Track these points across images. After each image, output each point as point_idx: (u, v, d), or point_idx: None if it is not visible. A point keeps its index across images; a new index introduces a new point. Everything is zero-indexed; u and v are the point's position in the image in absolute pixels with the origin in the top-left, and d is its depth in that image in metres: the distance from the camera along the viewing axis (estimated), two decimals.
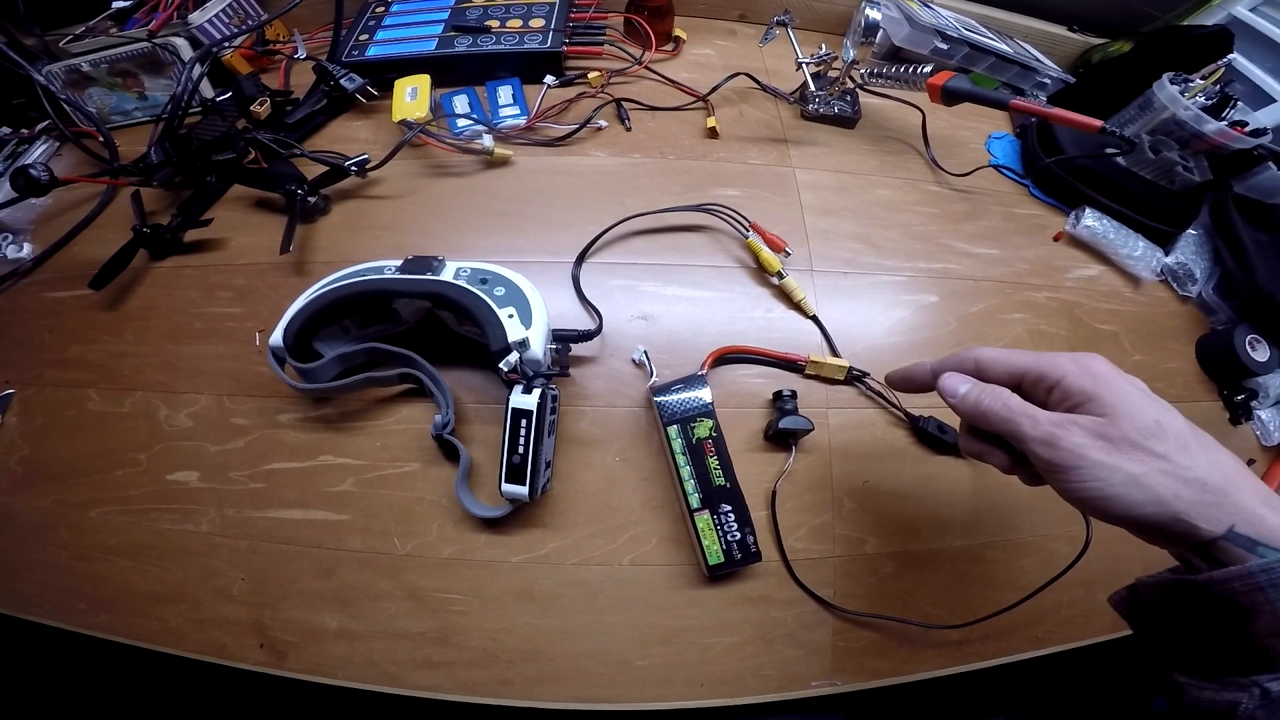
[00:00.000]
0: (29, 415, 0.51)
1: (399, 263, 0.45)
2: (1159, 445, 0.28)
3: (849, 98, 0.64)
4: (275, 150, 0.57)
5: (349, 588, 0.44)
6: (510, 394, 0.41)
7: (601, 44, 0.64)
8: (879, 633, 0.46)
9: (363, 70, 0.60)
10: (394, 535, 0.45)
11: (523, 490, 0.40)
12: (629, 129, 0.61)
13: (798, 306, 0.53)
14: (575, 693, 0.43)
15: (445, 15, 0.65)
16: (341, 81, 0.59)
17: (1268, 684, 0.25)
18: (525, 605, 0.44)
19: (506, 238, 0.54)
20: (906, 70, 0.58)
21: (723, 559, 0.43)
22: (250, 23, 0.66)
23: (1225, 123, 0.59)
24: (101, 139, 0.62)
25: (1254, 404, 0.58)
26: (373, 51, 0.62)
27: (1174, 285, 0.63)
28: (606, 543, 0.46)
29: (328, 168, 0.55)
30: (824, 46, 0.61)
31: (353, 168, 0.55)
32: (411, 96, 0.58)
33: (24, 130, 0.68)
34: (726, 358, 0.50)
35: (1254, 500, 0.27)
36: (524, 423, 0.40)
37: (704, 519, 0.43)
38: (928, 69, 0.57)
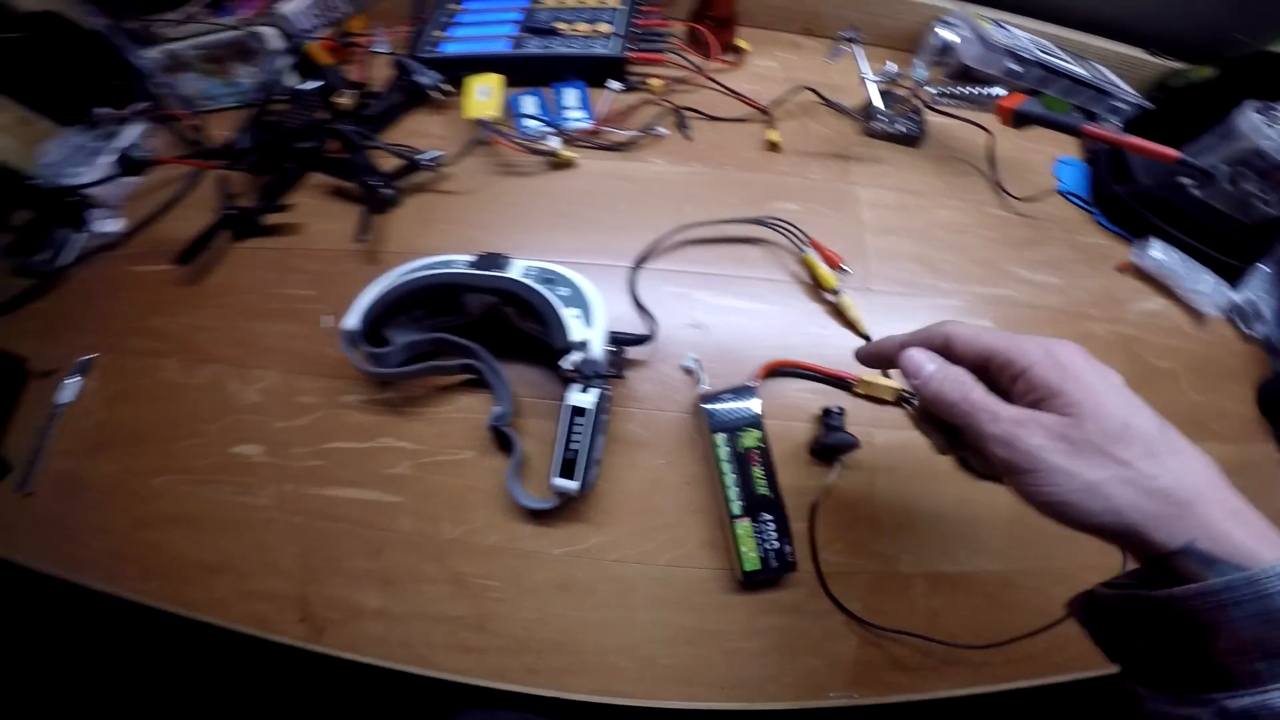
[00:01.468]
0: (109, 381, 0.53)
1: (470, 258, 0.47)
2: (1123, 451, 0.26)
3: (915, 116, 0.64)
4: (354, 142, 0.59)
5: (394, 568, 0.46)
6: (568, 391, 0.42)
7: (664, 51, 0.65)
8: (903, 649, 0.46)
9: (438, 67, 0.62)
10: (443, 520, 0.47)
11: (573, 485, 0.42)
12: (689, 138, 0.62)
13: (851, 324, 0.53)
14: (600, 686, 0.44)
15: (518, 16, 0.66)
16: (417, 77, 0.61)
17: (1225, 702, 0.24)
18: (561, 597, 0.46)
19: (568, 238, 0.56)
20: (977, 91, 0.58)
21: (759, 566, 0.44)
22: (334, 15, 0.69)
23: None
24: (193, 123, 0.66)
25: None
26: (448, 48, 0.64)
27: (1239, 323, 0.61)
28: (645, 542, 0.47)
29: (403, 161, 0.57)
30: (891, 64, 0.61)
31: (426, 162, 0.57)
32: (484, 95, 0.60)
33: (119, 111, 0.72)
34: (778, 371, 0.51)
35: (1220, 513, 0.26)
36: (579, 420, 0.41)
37: (744, 526, 0.44)
38: (999, 91, 0.57)
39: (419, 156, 0.57)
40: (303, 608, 0.45)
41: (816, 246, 0.55)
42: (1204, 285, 0.60)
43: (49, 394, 0.53)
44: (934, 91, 0.60)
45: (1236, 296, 0.61)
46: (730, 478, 0.45)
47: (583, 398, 0.41)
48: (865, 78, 0.60)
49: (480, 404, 0.50)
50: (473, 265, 0.46)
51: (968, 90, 0.58)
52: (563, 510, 0.47)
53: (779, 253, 0.56)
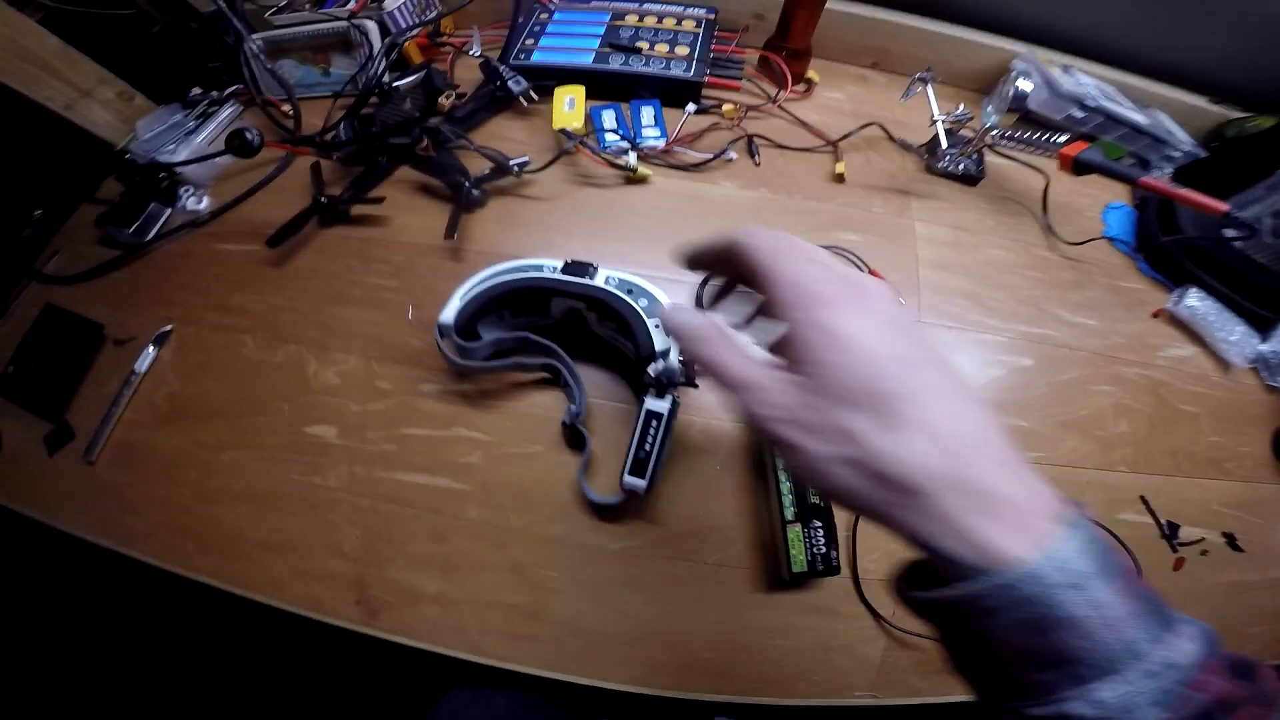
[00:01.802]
0: (184, 353, 0.56)
1: (560, 263, 0.50)
2: (854, 421, 0.22)
3: (976, 157, 0.67)
4: (448, 141, 0.62)
5: (457, 554, 0.48)
6: (646, 396, 0.46)
7: (740, 79, 0.68)
8: (924, 654, 0.49)
9: (527, 74, 0.65)
10: (509, 510, 0.50)
11: (641, 483, 0.45)
12: (758, 164, 0.65)
13: None
14: (639, 677, 0.47)
15: (601, 31, 0.69)
16: (509, 83, 0.64)
17: (1029, 711, 0.21)
18: (614, 590, 0.48)
19: (640, 251, 0.59)
20: (1041, 137, 0.60)
21: (805, 569, 0.47)
22: (429, 13, 0.72)
23: None
24: (290, 110, 0.69)
25: None
26: (537, 57, 0.67)
27: (1263, 373, 0.64)
28: (697, 541, 0.50)
29: (492, 165, 0.60)
30: (963, 106, 0.64)
31: (515, 167, 0.60)
32: (569, 106, 0.63)
33: (214, 92, 0.76)
34: None
35: (963, 504, 0.21)
36: (654, 424, 0.45)
37: (795, 531, 0.48)
38: (1062, 138, 0.59)
39: (509, 161, 0.60)
40: (360, 590, 0.47)
41: (875, 276, 0.58)
42: (1235, 335, 0.63)
43: (123, 362, 0.55)
44: (998, 134, 0.63)
45: (1264, 347, 0.63)
46: (785, 485, 0.48)
47: (658, 403, 0.45)
48: (935, 118, 0.63)
49: (552, 401, 0.53)
50: (563, 271, 0.49)
51: (1032, 136, 0.61)
52: (623, 507, 0.50)
53: None
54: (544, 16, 0.71)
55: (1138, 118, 0.68)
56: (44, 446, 0.54)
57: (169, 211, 0.66)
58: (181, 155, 0.69)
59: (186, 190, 0.68)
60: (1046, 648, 0.20)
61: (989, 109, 0.60)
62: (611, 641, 0.47)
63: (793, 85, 0.70)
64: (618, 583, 0.49)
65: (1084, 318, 0.63)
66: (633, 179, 0.63)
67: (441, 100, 0.64)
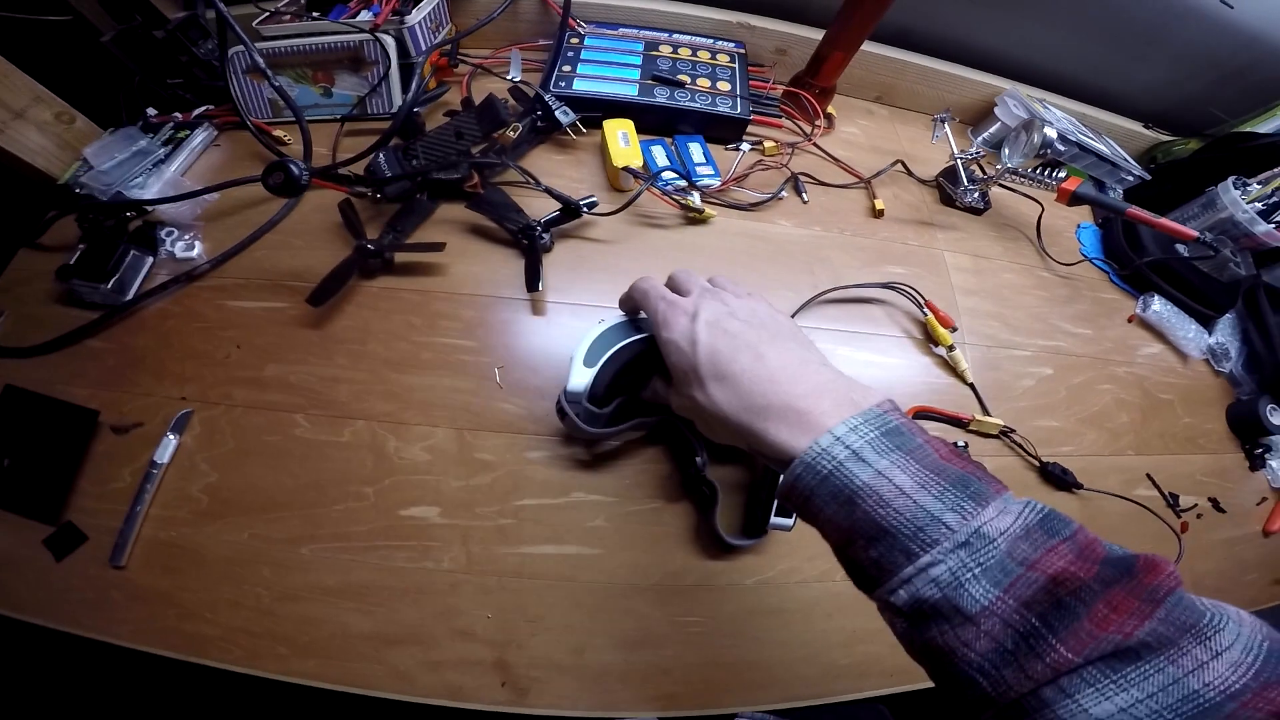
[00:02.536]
0: (215, 438, 0.48)
1: None
2: (690, 392, 0.34)
3: (985, 190, 0.74)
4: (492, 177, 0.58)
5: (598, 615, 0.47)
6: None
7: (780, 116, 0.70)
8: None
9: (568, 104, 0.63)
10: (642, 567, 0.49)
11: (789, 522, 0.47)
12: (806, 202, 0.68)
13: (958, 374, 0.62)
14: (786, 694, 0.48)
15: (638, 60, 0.68)
16: (556, 114, 0.61)
17: (893, 599, 0.25)
18: (754, 621, 0.49)
19: None
20: (1045, 173, 0.68)
21: None
22: (442, 29, 0.67)
23: (1272, 225, 0.73)
24: (287, 136, 0.62)
25: (1268, 456, 0.73)
26: (579, 86, 0.65)
27: (1213, 362, 0.77)
28: (822, 563, 0.52)
29: (561, 206, 0.57)
30: (975, 147, 0.70)
31: (585, 208, 0.57)
32: (624, 142, 0.61)
33: (178, 114, 0.66)
34: (916, 415, 0.59)
35: (751, 417, 0.30)
36: None
37: None
38: (1063, 174, 0.67)
39: (580, 202, 0.57)
40: (503, 671, 0.45)
41: (930, 307, 0.63)
42: (1190, 332, 0.75)
43: (132, 453, 0.47)
44: (1007, 168, 0.70)
45: (1211, 340, 0.76)
46: None
47: None
48: (955, 156, 0.69)
49: (659, 454, 0.53)
50: None
51: (1037, 172, 0.68)
52: (751, 546, 0.51)
53: (894, 312, 0.64)
54: (574, 41, 0.69)
55: (1101, 147, 0.78)
56: (46, 551, 0.45)
57: (152, 261, 0.57)
58: (153, 190, 0.60)
59: (168, 233, 0.59)
60: (860, 520, 0.25)
61: (1008, 151, 0.67)
62: (758, 668, 0.49)
63: (819, 121, 0.73)
64: (756, 614, 0.50)
65: (1081, 328, 0.72)
66: (695, 219, 0.63)
67: (508, 133, 0.59)
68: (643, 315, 0.45)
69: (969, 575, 0.23)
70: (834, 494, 0.25)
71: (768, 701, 0.48)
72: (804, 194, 0.68)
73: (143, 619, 0.44)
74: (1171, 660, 0.21)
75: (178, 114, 0.66)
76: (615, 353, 0.44)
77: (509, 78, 0.64)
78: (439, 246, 0.55)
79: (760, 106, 0.70)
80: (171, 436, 0.49)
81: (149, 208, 0.57)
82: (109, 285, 0.53)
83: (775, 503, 0.47)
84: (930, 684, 0.49)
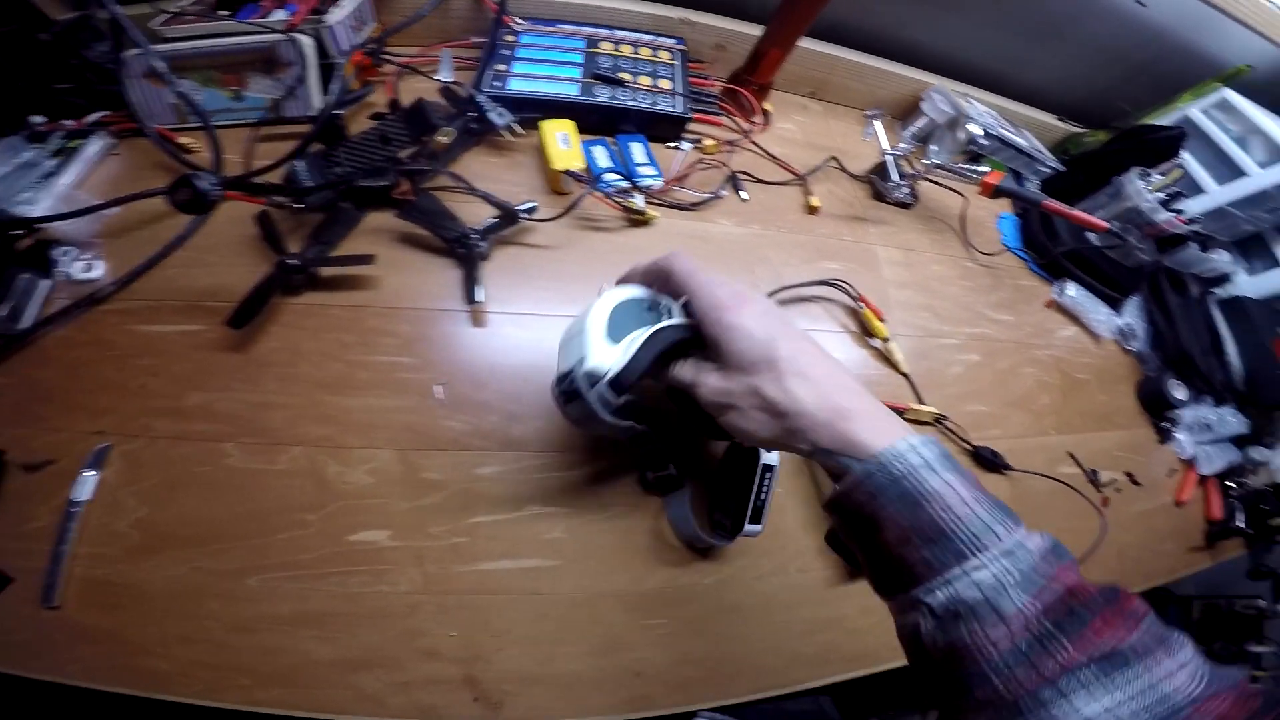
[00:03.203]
0: (140, 472, 0.46)
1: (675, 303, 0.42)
2: (756, 380, 0.33)
3: (912, 184, 0.76)
4: (426, 181, 0.56)
5: (564, 627, 0.48)
6: (763, 452, 0.48)
7: (719, 114, 0.70)
8: None
9: (505, 105, 0.60)
10: (604, 575, 0.49)
11: (758, 528, 0.48)
12: (745, 200, 0.68)
13: (893, 365, 0.65)
14: (755, 685, 0.50)
15: (579, 58, 0.66)
16: (490, 115, 0.59)
17: (928, 599, 0.27)
18: (718, 618, 0.51)
19: None
20: (968, 168, 0.71)
21: None
22: (365, 29, 0.63)
23: (1172, 214, 0.79)
24: (181, 142, 0.58)
25: (1174, 429, 0.80)
26: (515, 86, 0.62)
27: (1123, 342, 0.83)
28: (777, 556, 0.54)
29: (499, 212, 0.55)
30: (904, 143, 0.72)
31: (523, 214, 0.56)
32: (564, 144, 0.60)
33: (68, 121, 0.60)
34: None
35: (829, 417, 0.31)
36: (769, 476, 0.48)
37: None
38: (986, 168, 0.70)
39: (518, 208, 0.55)
40: (474, 687, 0.45)
41: (865, 302, 0.65)
42: (1101, 315, 0.81)
43: (47, 491, 0.44)
44: (933, 163, 0.72)
45: (1119, 321, 0.82)
46: None
47: (771, 456, 0.48)
48: (886, 152, 0.71)
49: (614, 462, 0.53)
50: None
51: (962, 167, 0.71)
52: (718, 548, 0.52)
53: (831, 308, 0.66)
54: (509, 39, 0.66)
55: (1019, 140, 0.82)
56: None
57: (49, 284, 0.52)
58: (44, 206, 0.54)
59: (64, 253, 0.54)
60: (925, 521, 0.27)
61: (935, 147, 0.69)
62: (725, 661, 0.50)
63: (756, 118, 0.74)
64: (719, 612, 0.52)
65: (1004, 315, 0.76)
66: (636, 221, 0.62)
67: (440, 139, 0.56)
68: (671, 298, 0.40)
69: (1010, 580, 0.26)
70: (903, 495, 0.28)
71: (738, 694, 0.50)
72: (742, 192, 0.69)
73: (92, 657, 0.42)
74: (1148, 668, 0.24)
75: (68, 121, 0.60)
76: (661, 332, 0.38)
77: (437, 78, 0.61)
78: (368, 259, 0.53)
79: (701, 104, 0.70)
80: (90, 473, 0.45)
81: (39, 225, 0.52)
82: (2, 314, 0.48)
83: (750, 510, 0.48)
84: (876, 671, 0.53)
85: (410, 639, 0.45)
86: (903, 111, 0.86)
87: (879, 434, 0.30)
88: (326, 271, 0.54)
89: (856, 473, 0.29)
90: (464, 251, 0.54)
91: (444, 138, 0.56)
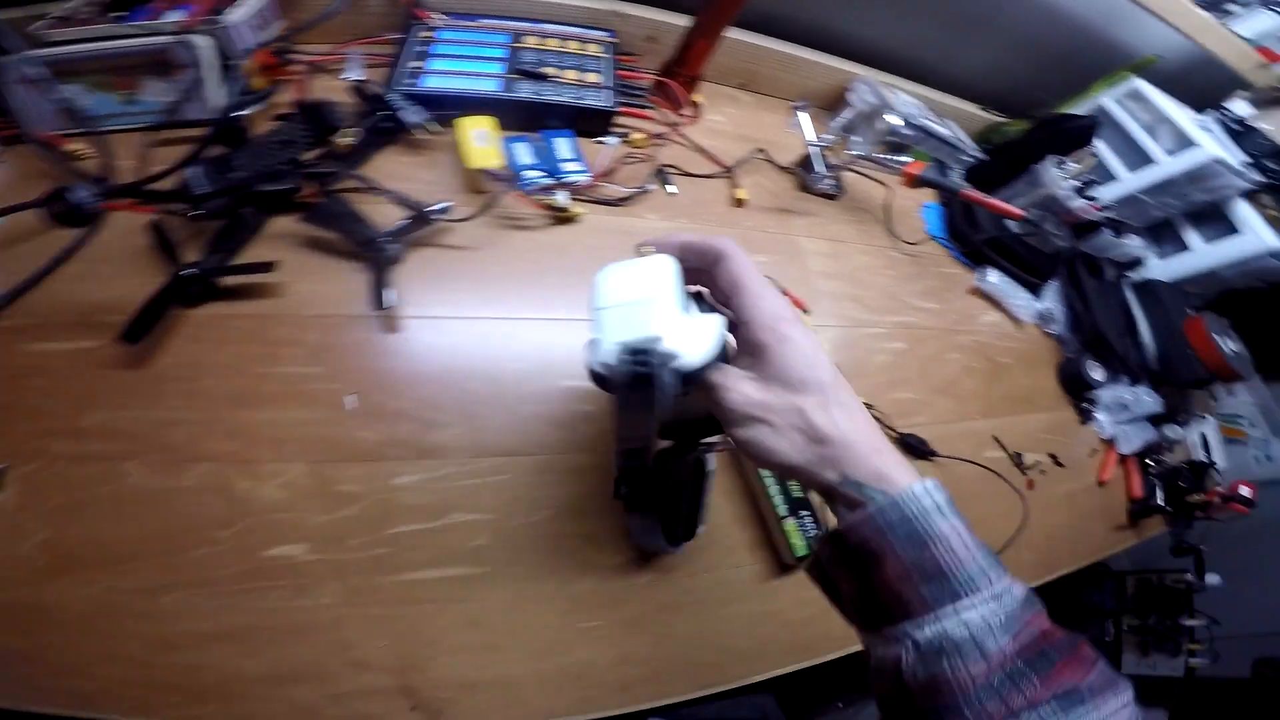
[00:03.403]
0: (39, 494, 0.44)
1: None
2: (803, 400, 0.31)
3: (838, 175, 0.77)
4: (332, 184, 0.54)
5: (498, 634, 0.47)
6: (708, 457, 0.48)
7: (649, 107, 0.70)
8: None
9: (418, 103, 0.59)
10: (535, 579, 0.49)
11: (702, 528, 0.49)
12: (673, 193, 0.68)
13: None
14: (697, 682, 0.51)
15: (503, 53, 0.65)
16: (403, 114, 0.57)
17: (915, 634, 0.28)
18: (656, 617, 0.51)
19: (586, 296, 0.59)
20: (890, 158, 0.72)
21: (806, 551, 0.55)
22: (267, 29, 0.60)
23: (1086, 201, 0.82)
24: (75, 149, 0.54)
25: (1094, 410, 0.84)
26: (431, 83, 0.61)
27: (1043, 325, 0.86)
28: (708, 554, 0.54)
29: (411, 213, 0.53)
30: (829, 135, 0.73)
31: (436, 215, 0.54)
32: (481, 141, 0.58)
33: None
34: None
35: (867, 450, 0.31)
36: (709, 481, 0.49)
37: (791, 524, 0.55)
38: (907, 158, 0.72)
39: (430, 208, 0.54)
40: (411, 695, 0.44)
41: (788, 295, 0.66)
42: (1022, 300, 0.84)
43: None
44: (856, 154, 0.73)
45: (1039, 305, 0.86)
46: (774, 488, 0.55)
47: (713, 463, 0.48)
48: (811, 144, 0.72)
49: (537, 466, 0.52)
50: None
51: (884, 158, 0.72)
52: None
53: None
54: (425, 34, 0.64)
55: (942, 130, 0.84)
56: None
57: None
58: None
59: None
60: (927, 560, 0.29)
61: (857, 138, 0.70)
62: (664, 660, 0.51)
63: (686, 110, 0.73)
64: (655, 611, 0.52)
65: (929, 302, 0.78)
66: (561, 218, 0.61)
67: (339, 140, 0.55)
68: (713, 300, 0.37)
69: (997, 621, 0.28)
70: (912, 534, 0.29)
71: (680, 692, 0.50)
72: (670, 186, 0.68)
73: (12, 680, 0.40)
74: (1097, 706, 0.27)
75: None
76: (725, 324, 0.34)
77: (344, 77, 0.59)
78: (267, 266, 0.50)
79: (629, 97, 0.69)
80: None
81: None
82: None
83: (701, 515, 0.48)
84: (816, 662, 0.54)
85: (339, 650, 0.44)
86: (832, 103, 0.87)
87: (905, 473, 0.31)
88: (228, 281, 0.52)
89: (879, 504, 0.30)
90: (373, 255, 0.52)
91: (346, 139, 0.55)
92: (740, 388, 0.32)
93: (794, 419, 0.31)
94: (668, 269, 0.33)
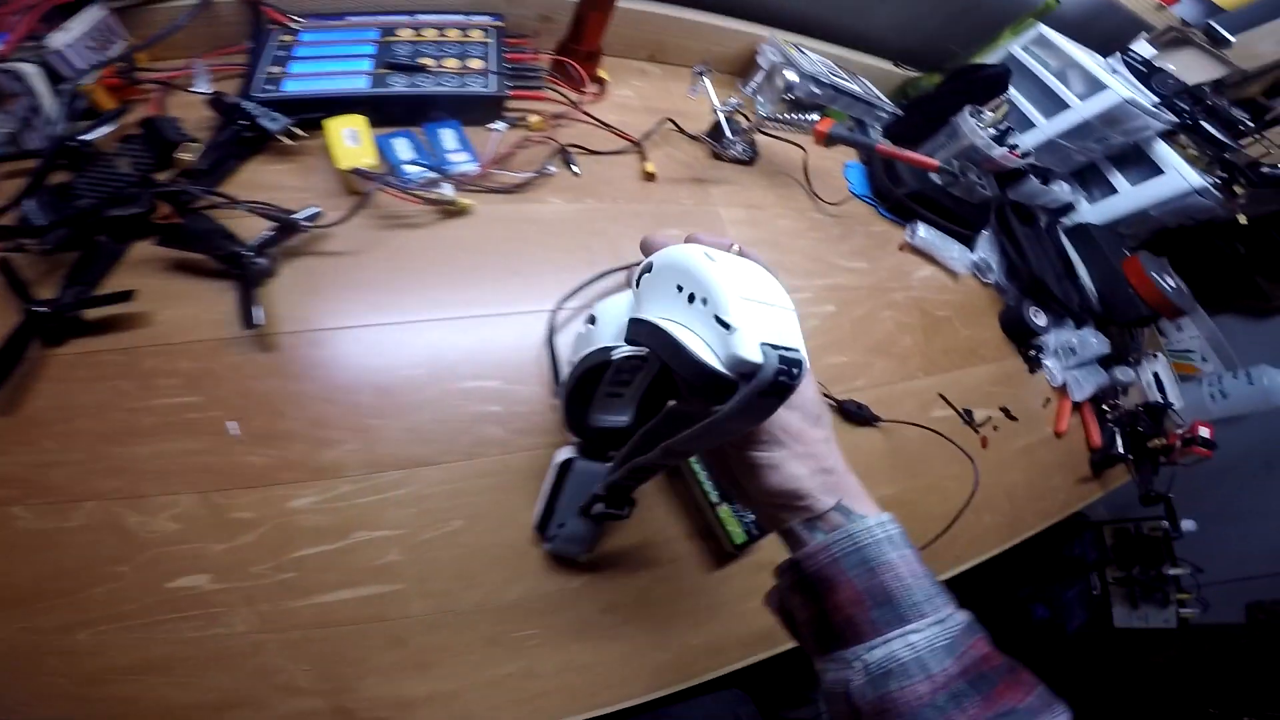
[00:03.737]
0: None
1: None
2: (811, 431, 0.34)
3: (750, 140, 0.75)
4: (193, 202, 0.50)
5: (425, 651, 0.45)
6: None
7: (542, 88, 0.66)
8: None
9: (282, 108, 0.55)
10: (457, 592, 0.47)
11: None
12: (578, 174, 0.65)
13: None
14: (651, 684, 0.49)
15: (372, 50, 0.61)
16: (262, 121, 0.54)
17: (865, 655, 0.30)
18: (597, 619, 0.50)
19: (490, 291, 0.56)
20: (799, 117, 0.70)
21: (745, 538, 0.53)
22: (110, 48, 0.56)
23: (1006, 148, 0.81)
24: None
25: (1041, 357, 0.83)
26: (291, 87, 0.57)
27: (979, 275, 0.85)
28: (645, 551, 0.53)
29: (275, 224, 0.50)
30: (733, 98, 0.71)
31: (304, 222, 0.51)
32: (352, 140, 0.55)
33: None
34: None
35: (854, 481, 0.35)
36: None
37: (725, 510, 0.53)
38: (815, 116, 0.70)
39: (296, 216, 0.51)
40: (346, 716, 0.43)
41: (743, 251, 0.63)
42: (955, 252, 0.83)
43: None
44: (764, 116, 0.71)
45: (973, 256, 0.84)
46: (703, 475, 0.53)
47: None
48: (717, 109, 0.69)
49: (443, 476, 0.49)
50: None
51: (794, 117, 0.70)
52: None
53: None
54: (286, 39, 0.60)
55: (854, 87, 0.83)
56: None
57: None
58: None
59: None
60: (877, 587, 0.31)
61: (761, 99, 0.68)
62: (612, 664, 0.49)
63: (587, 87, 0.70)
64: (595, 612, 0.50)
65: (857, 262, 0.76)
66: (452, 212, 0.58)
67: (180, 155, 0.51)
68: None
69: (941, 644, 0.29)
70: (864, 561, 0.31)
71: (637, 695, 0.49)
72: (574, 166, 0.65)
73: None
74: None
75: None
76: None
77: (194, 90, 0.55)
78: (125, 296, 0.47)
79: (522, 80, 0.66)
80: None
81: None
82: None
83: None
84: (776, 652, 0.52)
85: (264, 676, 0.43)
86: (743, 68, 0.84)
87: (868, 505, 0.34)
88: (91, 314, 0.48)
89: (826, 534, 0.32)
90: (239, 272, 0.49)
91: (186, 154, 0.52)
92: (779, 412, 0.32)
93: (815, 448, 0.33)
94: (773, 279, 0.34)
